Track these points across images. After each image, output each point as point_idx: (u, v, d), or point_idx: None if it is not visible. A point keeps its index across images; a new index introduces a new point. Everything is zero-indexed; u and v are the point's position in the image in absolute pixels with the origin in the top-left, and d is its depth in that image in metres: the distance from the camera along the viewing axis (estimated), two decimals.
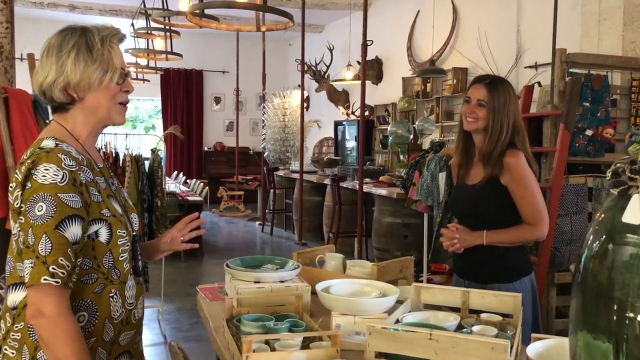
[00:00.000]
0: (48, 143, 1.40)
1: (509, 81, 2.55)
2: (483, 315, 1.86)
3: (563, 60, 3.87)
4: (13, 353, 1.40)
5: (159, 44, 8.15)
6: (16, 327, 1.41)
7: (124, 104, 1.53)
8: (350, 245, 7.13)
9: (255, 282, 2.14)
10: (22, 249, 1.34)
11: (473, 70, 7.22)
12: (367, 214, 6.58)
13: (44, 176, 1.33)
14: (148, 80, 10.12)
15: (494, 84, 2.26)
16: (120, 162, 4.02)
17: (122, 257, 1.47)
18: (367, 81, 6.72)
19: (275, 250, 8.14)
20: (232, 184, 11.25)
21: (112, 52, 1.47)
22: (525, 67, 6.47)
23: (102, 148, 4.11)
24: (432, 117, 7.44)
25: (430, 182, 3.69)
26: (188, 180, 9.90)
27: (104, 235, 1.43)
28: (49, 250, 1.30)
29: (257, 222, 9.85)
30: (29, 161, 1.36)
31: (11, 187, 1.38)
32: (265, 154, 10.24)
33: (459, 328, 1.79)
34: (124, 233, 1.47)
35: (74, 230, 1.34)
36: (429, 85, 7.89)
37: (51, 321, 1.29)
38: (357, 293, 1.95)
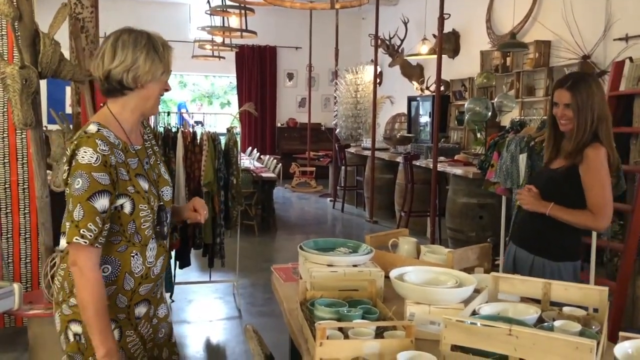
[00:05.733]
0: (92, 128, 1.72)
1: (594, 63, 2.52)
2: (565, 309, 1.78)
3: None
4: (58, 286, 1.80)
5: (234, 21, 8.27)
6: (62, 266, 1.81)
7: (161, 96, 1.87)
8: (422, 224, 7.03)
9: (329, 265, 2.15)
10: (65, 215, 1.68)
11: (557, 43, 6.84)
12: (441, 193, 6.45)
13: (82, 157, 1.65)
14: (223, 57, 10.30)
15: (575, 84, 2.37)
16: (198, 140, 4.12)
17: (144, 225, 1.78)
18: (443, 55, 6.51)
19: (347, 227, 8.16)
20: (304, 159, 11.34)
21: (169, 57, 1.80)
22: (615, 40, 6.05)
23: (180, 127, 4.21)
24: (511, 93, 7.13)
25: (510, 163, 3.54)
26: (262, 156, 10.06)
27: (127, 208, 1.74)
28: (81, 217, 1.62)
29: (329, 199, 9.90)
30: (75, 142, 1.69)
31: (64, 161, 1.72)
32: (337, 130, 10.21)
33: (540, 321, 1.72)
34: (145, 207, 1.77)
35: (102, 202, 1.65)
36: (508, 59, 7.56)
37: (81, 271, 1.64)
38: (432, 281, 1.91)
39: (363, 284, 2.01)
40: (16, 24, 2.59)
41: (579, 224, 2.37)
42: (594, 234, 3.20)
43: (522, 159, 3.39)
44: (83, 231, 1.61)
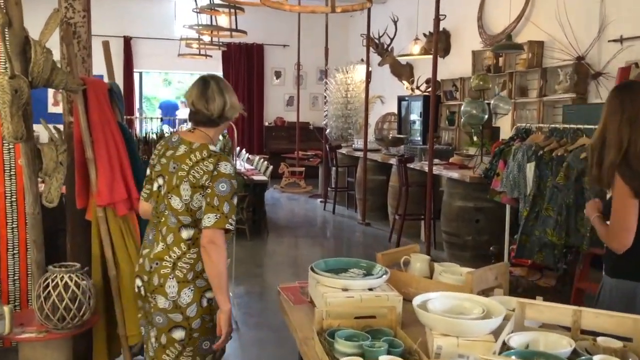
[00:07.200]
0: (215, 149, 2.29)
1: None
2: (600, 340, 1.69)
3: None
4: (187, 267, 2.23)
5: (222, 20, 8.10)
6: (192, 251, 2.24)
7: None
8: (416, 227, 6.96)
9: (343, 289, 2.04)
10: (205, 208, 2.18)
11: (550, 43, 6.79)
12: (434, 195, 6.36)
13: (224, 168, 2.22)
14: (210, 56, 10.11)
15: None
16: None
17: None
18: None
19: (338, 230, 8.06)
20: (292, 159, 11.20)
21: None
22: (609, 41, 6.01)
23: (175, 131, 4.06)
24: (504, 93, 7.08)
25: (517, 173, 3.44)
26: (250, 156, 9.91)
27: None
28: (228, 210, 2.19)
29: (319, 200, 9.78)
30: (211, 159, 2.22)
31: (199, 172, 2.21)
32: (327, 130, 10.08)
33: (574, 354, 1.63)
34: None
35: (235, 201, 2.24)
36: (501, 59, 7.51)
37: (219, 248, 2.17)
38: (457, 309, 1.81)
39: (382, 311, 1.90)
40: (5, 30, 2.43)
41: (600, 238, 2.39)
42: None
43: (530, 168, 3.30)
44: (230, 220, 2.18)
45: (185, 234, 2.23)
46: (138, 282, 2.30)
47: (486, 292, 2.19)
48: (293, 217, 8.86)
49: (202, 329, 2.25)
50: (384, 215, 7.93)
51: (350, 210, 8.96)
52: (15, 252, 3.20)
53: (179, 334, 2.23)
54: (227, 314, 2.20)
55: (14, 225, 3.19)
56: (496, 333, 1.71)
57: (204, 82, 2.29)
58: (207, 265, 2.18)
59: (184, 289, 2.21)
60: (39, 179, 2.70)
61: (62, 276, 2.55)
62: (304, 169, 10.91)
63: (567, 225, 3.17)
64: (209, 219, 2.15)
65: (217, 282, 2.19)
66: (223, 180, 2.19)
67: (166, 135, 4.04)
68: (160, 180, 2.30)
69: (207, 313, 2.26)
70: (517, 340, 1.68)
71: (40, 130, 2.89)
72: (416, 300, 1.82)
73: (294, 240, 7.45)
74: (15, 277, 3.22)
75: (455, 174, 5.75)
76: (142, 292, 2.28)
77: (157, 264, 2.24)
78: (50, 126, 2.68)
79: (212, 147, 2.26)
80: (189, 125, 2.45)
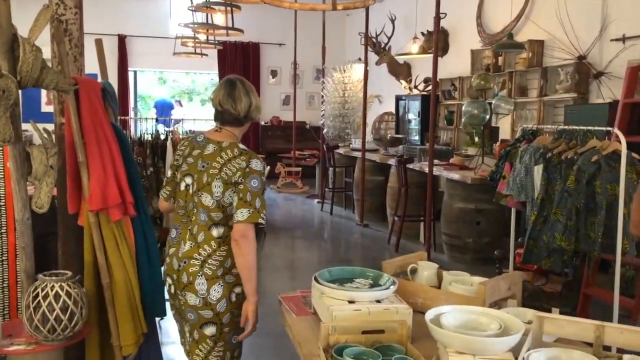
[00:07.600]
0: (244, 147, 2.37)
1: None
2: (627, 358, 1.59)
3: None
4: (217, 264, 2.29)
5: (218, 18, 7.97)
6: (222, 249, 2.30)
7: None
8: (415, 228, 6.86)
9: (350, 302, 1.93)
10: (237, 203, 2.24)
11: (550, 42, 6.71)
12: (434, 196, 6.26)
13: (256, 165, 2.30)
14: (206, 55, 9.98)
15: None
16: None
17: None
18: (432, 54, 6.29)
19: (336, 231, 7.95)
20: (289, 159, 11.07)
21: None
22: (611, 40, 5.93)
23: (169, 132, 3.95)
24: (503, 93, 6.98)
25: (524, 176, 3.33)
26: None
27: None
28: (260, 205, 2.26)
29: (316, 200, 9.67)
30: (243, 157, 2.30)
31: (231, 169, 2.28)
32: (324, 130, 9.97)
33: None
34: None
35: (265, 196, 2.31)
36: (500, 58, 7.41)
37: (250, 241, 2.23)
38: (472, 324, 1.71)
39: (391, 325, 1.80)
40: None
41: (632, 210, 2.30)
42: (619, 251, 3.02)
43: (538, 170, 3.20)
44: (262, 215, 2.26)
45: (216, 232, 2.30)
46: (168, 280, 2.39)
47: (499, 303, 2.10)
48: (290, 218, 8.74)
49: (232, 323, 2.33)
50: (383, 216, 7.83)
51: (347, 211, 8.85)
52: (4, 259, 3.07)
53: (210, 330, 2.31)
54: (255, 305, 2.28)
55: (2, 231, 3.06)
56: (514, 349, 1.61)
57: (231, 83, 2.37)
58: (237, 258, 2.24)
59: (214, 285, 2.28)
60: (29, 183, 2.58)
61: (53, 285, 2.43)
62: (300, 169, 10.80)
63: (577, 230, 3.07)
64: (242, 214, 2.22)
65: (246, 274, 2.25)
66: (255, 177, 2.27)
67: (161, 136, 3.92)
68: (189, 180, 2.35)
69: (236, 307, 2.32)
70: (536, 357, 1.57)
71: (33, 131, 2.76)
72: (429, 315, 1.71)
73: (291, 242, 7.35)
74: (4, 285, 3.09)
75: (456, 175, 5.65)
76: (172, 290, 2.36)
77: (185, 262, 2.31)
78: (40, 127, 2.55)
79: (241, 146, 2.35)
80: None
